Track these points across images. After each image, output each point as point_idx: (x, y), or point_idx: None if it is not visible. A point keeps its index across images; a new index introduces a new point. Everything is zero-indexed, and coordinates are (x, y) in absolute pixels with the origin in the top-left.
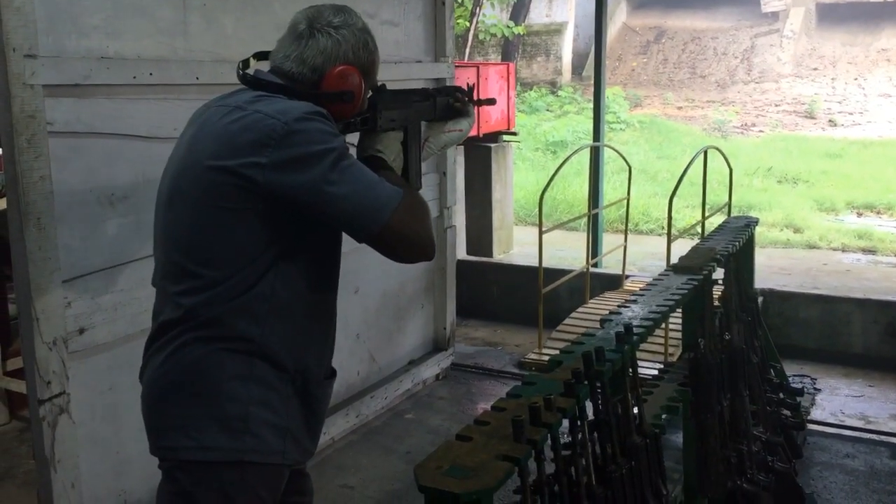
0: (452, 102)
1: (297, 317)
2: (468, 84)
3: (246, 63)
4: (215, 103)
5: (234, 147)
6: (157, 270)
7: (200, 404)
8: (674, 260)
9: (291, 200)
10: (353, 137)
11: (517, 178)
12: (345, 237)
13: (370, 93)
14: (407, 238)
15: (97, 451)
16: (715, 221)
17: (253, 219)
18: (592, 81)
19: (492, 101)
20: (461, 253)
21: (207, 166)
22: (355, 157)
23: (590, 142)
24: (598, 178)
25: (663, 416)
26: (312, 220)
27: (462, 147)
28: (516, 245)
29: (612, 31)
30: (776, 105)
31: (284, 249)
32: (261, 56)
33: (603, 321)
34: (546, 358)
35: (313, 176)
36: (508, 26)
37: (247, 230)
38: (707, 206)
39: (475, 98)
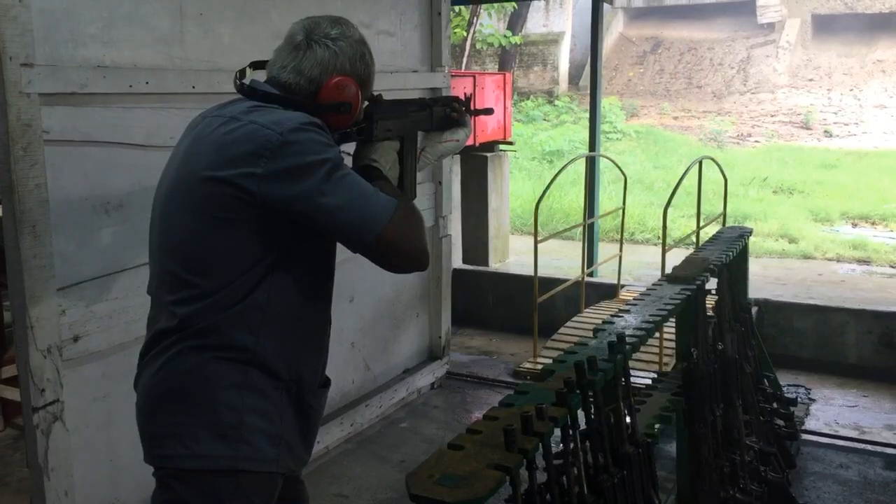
0: (449, 112)
1: (291, 326)
2: (465, 94)
3: (243, 72)
4: (211, 113)
5: (230, 158)
6: (153, 280)
7: (195, 413)
8: (669, 270)
9: (286, 211)
10: (350, 147)
11: (513, 188)
12: (339, 246)
13: (367, 103)
14: (401, 248)
15: (91, 459)
16: (710, 231)
17: (248, 229)
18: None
19: (489, 111)
20: (457, 262)
21: (203, 177)
22: (351, 166)
23: (586, 151)
24: (594, 187)
25: (656, 426)
26: (307, 230)
27: (458, 156)
28: (512, 254)
29: (609, 41)
30: (772, 115)
31: (279, 259)
32: (257, 65)
33: (596, 331)
34: (541, 367)
35: (308, 186)
36: (506, 36)
37: (242, 240)
38: (702, 216)
39: (472, 108)
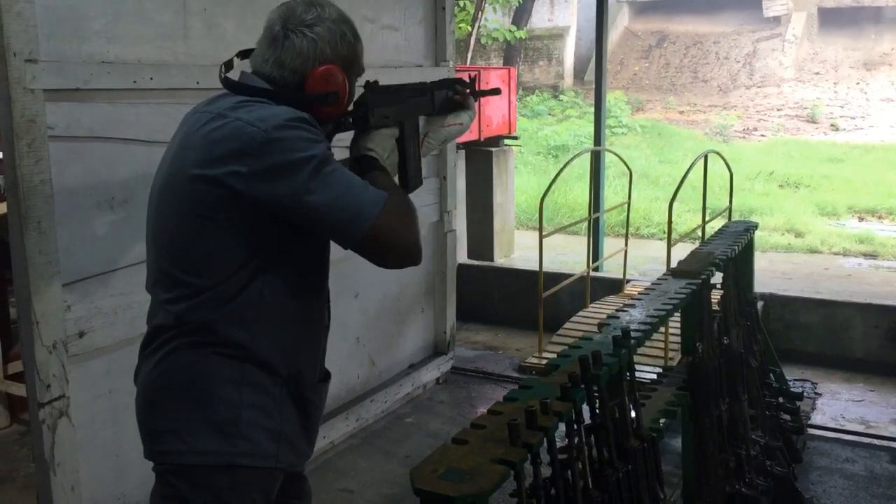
0: (452, 95)
1: (287, 322)
2: (469, 76)
3: (229, 64)
4: (200, 108)
5: (215, 156)
6: (149, 277)
7: (193, 408)
8: (674, 264)
9: (273, 209)
10: (348, 137)
11: (518, 182)
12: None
13: (358, 81)
14: (391, 243)
15: (97, 454)
16: (716, 226)
17: (237, 227)
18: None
19: (496, 91)
20: (462, 257)
21: (190, 175)
22: (347, 155)
23: (591, 146)
24: (599, 182)
25: (661, 420)
26: (297, 227)
27: (463, 151)
28: (517, 249)
29: (614, 35)
30: (778, 109)
31: (271, 256)
32: (245, 55)
33: (601, 325)
34: (546, 362)
35: (294, 184)
36: (511, 30)
37: (232, 238)
38: (708, 211)
39: (477, 89)
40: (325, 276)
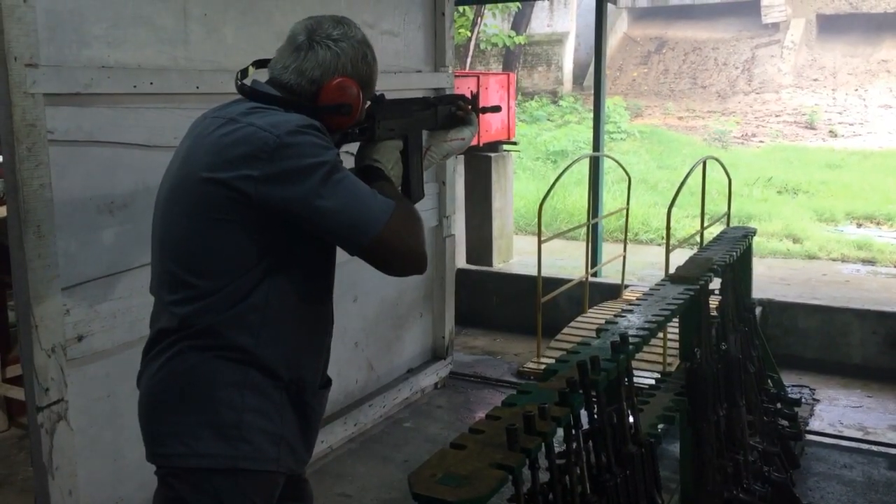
0: (454, 111)
1: (291, 327)
2: (471, 92)
3: (245, 72)
4: (211, 114)
5: (227, 160)
6: (154, 279)
7: (195, 411)
8: (672, 270)
9: (283, 213)
10: (353, 147)
11: (517, 188)
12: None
13: (368, 104)
14: (398, 251)
15: (95, 458)
16: (714, 231)
17: (246, 230)
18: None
19: (497, 109)
20: (461, 262)
21: (201, 178)
22: (353, 165)
23: (590, 151)
24: (598, 187)
25: (659, 426)
26: (305, 232)
27: (462, 156)
28: (516, 254)
29: (614, 41)
30: (777, 115)
31: (278, 261)
32: (260, 64)
33: (599, 330)
34: (544, 367)
35: (304, 189)
36: (510, 36)
37: (240, 241)
38: (706, 217)
39: (479, 106)
40: (331, 282)
